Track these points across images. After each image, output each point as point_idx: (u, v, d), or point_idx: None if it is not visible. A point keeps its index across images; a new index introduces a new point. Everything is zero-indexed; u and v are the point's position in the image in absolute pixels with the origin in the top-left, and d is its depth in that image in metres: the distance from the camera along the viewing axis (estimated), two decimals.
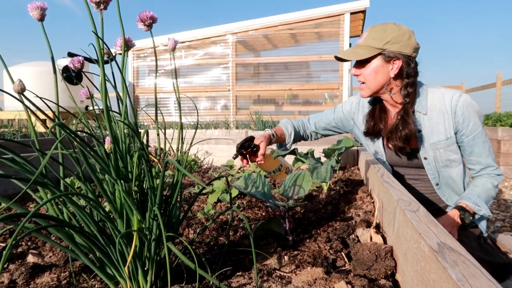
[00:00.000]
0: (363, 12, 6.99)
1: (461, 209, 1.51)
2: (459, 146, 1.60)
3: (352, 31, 7.24)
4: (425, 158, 1.64)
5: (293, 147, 1.84)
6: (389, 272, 0.86)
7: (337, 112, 1.92)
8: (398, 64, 1.48)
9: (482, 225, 1.64)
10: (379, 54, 1.49)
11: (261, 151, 1.49)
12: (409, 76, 1.51)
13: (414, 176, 1.76)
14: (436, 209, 1.72)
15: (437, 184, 1.68)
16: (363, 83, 1.59)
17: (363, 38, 1.54)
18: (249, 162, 1.51)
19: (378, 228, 1.15)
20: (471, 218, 1.49)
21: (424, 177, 1.71)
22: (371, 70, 1.53)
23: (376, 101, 1.71)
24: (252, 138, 1.54)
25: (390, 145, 1.66)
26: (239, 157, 1.52)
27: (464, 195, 1.56)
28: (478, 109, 1.53)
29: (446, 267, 0.54)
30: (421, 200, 1.01)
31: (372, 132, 1.72)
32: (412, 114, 1.60)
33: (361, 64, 1.55)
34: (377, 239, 1.04)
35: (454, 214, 1.51)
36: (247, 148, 1.49)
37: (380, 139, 1.76)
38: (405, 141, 1.57)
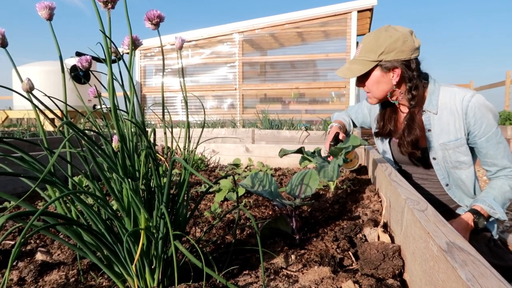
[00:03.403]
0: (371, 10, 6.95)
1: (475, 212, 1.45)
2: (471, 148, 1.56)
3: (359, 29, 7.20)
4: (434, 158, 1.62)
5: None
6: (397, 271, 0.85)
7: (361, 106, 1.98)
8: (397, 72, 1.48)
9: (493, 228, 1.61)
10: (376, 66, 1.49)
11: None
12: (411, 79, 1.49)
13: (423, 175, 1.73)
14: (446, 210, 1.69)
15: (447, 185, 1.64)
16: (368, 92, 1.60)
17: (358, 51, 1.53)
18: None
19: (385, 227, 1.14)
20: (485, 222, 1.44)
21: (433, 177, 1.68)
22: (372, 82, 1.53)
23: (386, 102, 1.69)
24: (338, 134, 1.74)
25: (402, 151, 1.65)
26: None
27: (480, 197, 1.51)
28: (492, 109, 1.48)
29: (455, 267, 0.53)
30: (429, 200, 0.99)
31: (381, 133, 1.73)
32: (422, 113, 1.59)
33: (362, 77, 1.55)
34: (385, 238, 1.04)
35: (467, 217, 1.46)
36: (336, 145, 1.70)
37: (387, 138, 1.76)
38: (414, 147, 1.57)
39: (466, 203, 1.64)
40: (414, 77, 1.49)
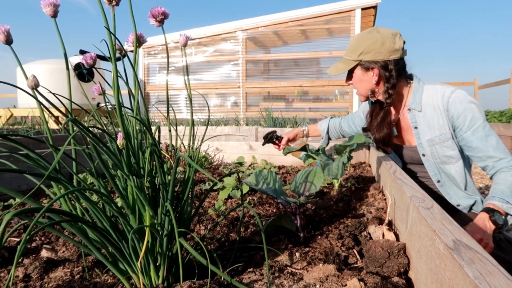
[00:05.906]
0: (374, 7, 6.92)
1: (489, 210, 1.35)
2: (461, 146, 1.56)
3: (363, 27, 7.17)
4: (423, 155, 1.66)
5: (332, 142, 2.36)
6: (402, 269, 0.85)
7: (358, 112, 2.08)
8: (375, 71, 1.57)
9: None
10: (357, 65, 1.60)
11: (282, 142, 2.14)
12: (388, 79, 1.57)
13: (420, 173, 1.75)
14: (449, 206, 1.68)
15: (438, 181, 1.65)
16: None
17: (346, 51, 1.65)
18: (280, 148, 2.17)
19: (390, 225, 1.14)
20: (503, 217, 1.34)
21: (427, 174, 1.69)
22: (356, 80, 1.66)
23: (376, 100, 1.74)
24: (274, 131, 2.14)
25: (376, 146, 1.78)
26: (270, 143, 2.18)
27: (488, 196, 1.44)
28: (475, 103, 1.49)
29: (462, 265, 0.53)
30: (432, 197, 0.98)
31: (368, 129, 1.79)
32: (408, 111, 1.65)
33: (348, 74, 1.68)
34: (390, 236, 1.03)
35: (482, 217, 1.35)
36: (270, 138, 2.14)
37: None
38: (382, 144, 1.69)
39: (459, 201, 1.62)
40: (392, 77, 1.56)
